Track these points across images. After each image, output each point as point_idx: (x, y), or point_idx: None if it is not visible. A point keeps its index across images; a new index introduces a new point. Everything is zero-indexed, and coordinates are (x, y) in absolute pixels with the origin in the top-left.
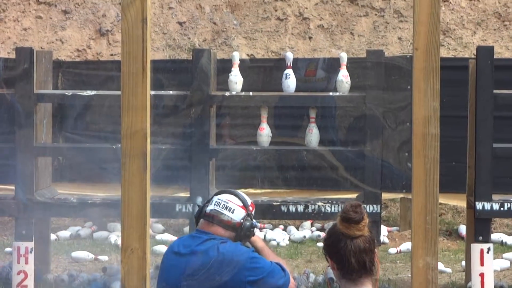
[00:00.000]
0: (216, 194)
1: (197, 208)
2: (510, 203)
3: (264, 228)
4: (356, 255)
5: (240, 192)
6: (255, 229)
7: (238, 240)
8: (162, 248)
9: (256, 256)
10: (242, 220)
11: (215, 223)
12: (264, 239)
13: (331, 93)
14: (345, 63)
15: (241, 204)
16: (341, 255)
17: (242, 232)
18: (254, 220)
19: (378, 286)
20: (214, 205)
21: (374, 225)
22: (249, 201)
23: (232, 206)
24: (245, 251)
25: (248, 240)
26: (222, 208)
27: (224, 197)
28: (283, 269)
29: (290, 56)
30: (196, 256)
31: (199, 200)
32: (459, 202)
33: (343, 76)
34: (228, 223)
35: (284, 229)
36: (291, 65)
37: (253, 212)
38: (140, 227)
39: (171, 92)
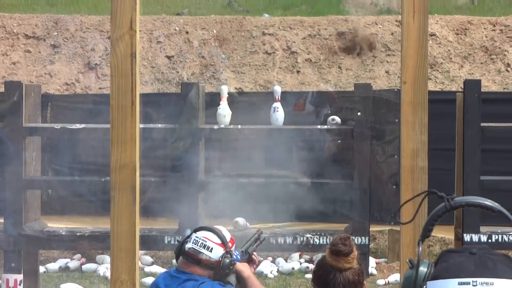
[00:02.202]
0: (195, 230)
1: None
2: (498, 234)
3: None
4: (346, 287)
5: (220, 228)
6: (234, 266)
7: (217, 278)
8: (151, 280)
9: None
10: (220, 259)
11: (194, 263)
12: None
13: (319, 126)
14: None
15: (219, 241)
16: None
17: (221, 271)
18: (235, 254)
19: None
20: (193, 243)
21: (362, 257)
22: (228, 237)
23: (210, 244)
24: None
25: (229, 275)
26: (200, 246)
27: (202, 234)
28: None
29: (278, 89)
30: None
31: (188, 232)
32: (447, 234)
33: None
34: (207, 262)
35: (273, 261)
36: (279, 98)
37: (233, 248)
38: (129, 260)
39: (159, 125)
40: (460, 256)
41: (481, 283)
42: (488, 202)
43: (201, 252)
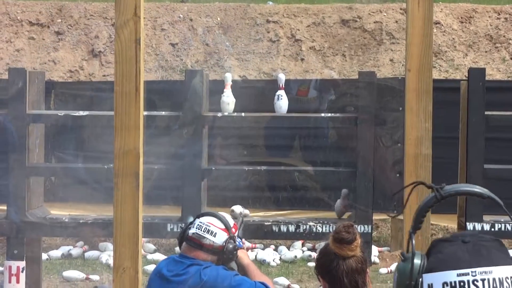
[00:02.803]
0: (198, 216)
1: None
2: (501, 223)
3: (255, 247)
4: (349, 275)
5: (223, 214)
6: (237, 251)
7: (221, 263)
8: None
9: (239, 279)
10: (224, 243)
11: (197, 248)
12: (255, 259)
13: (323, 114)
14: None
15: (223, 227)
16: (333, 275)
17: (224, 255)
18: (238, 241)
19: None
20: (196, 228)
21: (365, 245)
22: (231, 222)
23: (214, 229)
24: (227, 276)
25: (233, 260)
26: (204, 231)
27: (206, 220)
28: None
29: (282, 77)
30: (180, 284)
31: (191, 219)
32: (450, 222)
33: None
34: (210, 246)
35: (275, 249)
36: (283, 86)
37: (236, 233)
38: (132, 246)
39: (163, 112)
40: (453, 246)
41: (480, 272)
42: (477, 189)
43: (205, 237)
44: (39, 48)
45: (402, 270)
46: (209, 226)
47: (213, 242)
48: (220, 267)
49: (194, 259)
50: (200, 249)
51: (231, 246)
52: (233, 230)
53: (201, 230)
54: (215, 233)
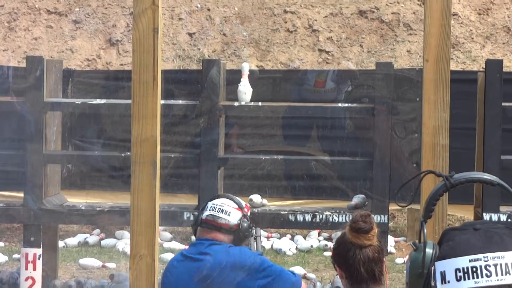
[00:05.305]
0: (210, 200)
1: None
2: None
3: (271, 237)
4: (365, 265)
5: (233, 196)
6: (253, 229)
7: (237, 243)
8: (170, 256)
9: (265, 258)
10: (239, 222)
11: (213, 229)
12: (271, 248)
13: (340, 104)
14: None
15: (236, 206)
16: (350, 264)
17: (240, 234)
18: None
19: None
20: (210, 210)
21: (381, 235)
22: (243, 203)
23: (227, 208)
24: (254, 254)
25: (248, 239)
26: (218, 212)
27: (219, 201)
28: (293, 272)
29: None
30: (206, 262)
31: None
32: (467, 213)
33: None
34: (226, 226)
35: (292, 238)
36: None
37: (248, 213)
38: (149, 234)
39: (180, 101)
40: (464, 234)
41: (492, 257)
42: (487, 176)
43: (220, 217)
44: (57, 37)
45: (414, 259)
46: (223, 206)
47: (228, 221)
48: (243, 247)
49: (213, 240)
50: (217, 230)
51: (245, 224)
52: (246, 210)
53: (215, 211)
54: (229, 212)
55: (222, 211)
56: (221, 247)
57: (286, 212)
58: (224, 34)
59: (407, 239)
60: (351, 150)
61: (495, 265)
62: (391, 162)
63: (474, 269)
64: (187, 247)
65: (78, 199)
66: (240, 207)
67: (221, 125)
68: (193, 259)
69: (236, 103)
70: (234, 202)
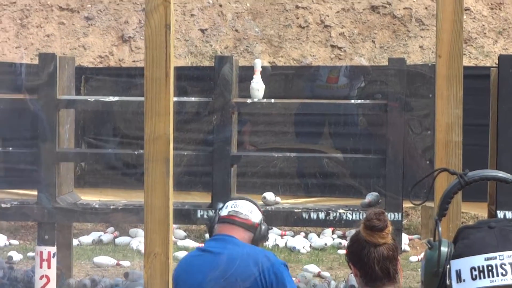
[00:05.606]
0: (228, 201)
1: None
2: None
3: (285, 235)
4: (380, 263)
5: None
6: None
7: (255, 243)
8: (183, 254)
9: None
10: (260, 221)
11: (235, 224)
12: (285, 246)
13: (352, 101)
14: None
15: (256, 208)
16: (365, 263)
17: (260, 233)
18: None
19: None
20: (232, 207)
21: (396, 233)
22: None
23: (249, 207)
24: (279, 261)
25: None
26: (240, 208)
27: (239, 201)
28: None
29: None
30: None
31: (221, 206)
32: (480, 211)
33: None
34: (248, 222)
35: (305, 236)
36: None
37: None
38: (163, 232)
39: (193, 98)
40: (479, 232)
41: (508, 256)
42: (501, 174)
43: (242, 213)
44: (69, 34)
45: (429, 257)
46: (245, 205)
47: (250, 218)
48: (269, 252)
49: (233, 237)
50: (238, 225)
51: (264, 226)
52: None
53: (237, 208)
54: (251, 210)
55: (243, 208)
56: (246, 245)
57: (299, 210)
58: (236, 30)
59: (421, 237)
60: (364, 147)
61: (511, 264)
62: (404, 159)
63: (490, 268)
64: (201, 245)
65: (91, 197)
66: (259, 210)
67: (234, 122)
68: (214, 253)
69: (248, 100)
70: (253, 204)
